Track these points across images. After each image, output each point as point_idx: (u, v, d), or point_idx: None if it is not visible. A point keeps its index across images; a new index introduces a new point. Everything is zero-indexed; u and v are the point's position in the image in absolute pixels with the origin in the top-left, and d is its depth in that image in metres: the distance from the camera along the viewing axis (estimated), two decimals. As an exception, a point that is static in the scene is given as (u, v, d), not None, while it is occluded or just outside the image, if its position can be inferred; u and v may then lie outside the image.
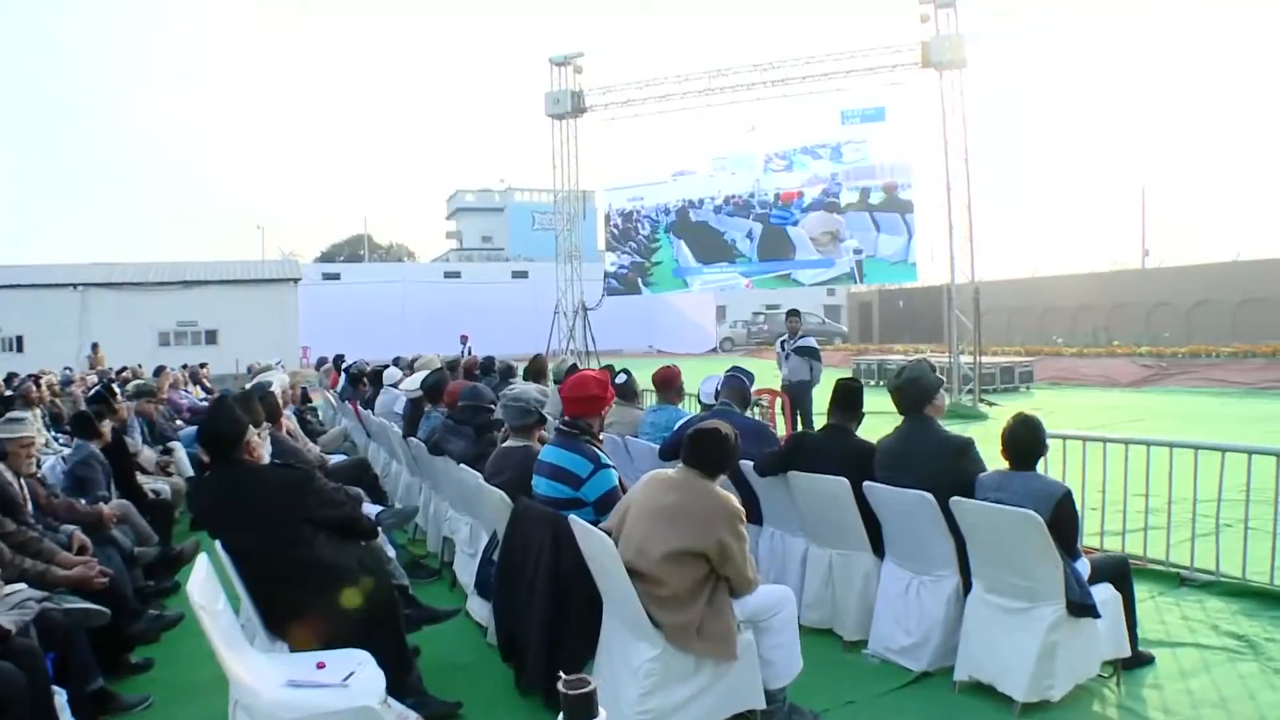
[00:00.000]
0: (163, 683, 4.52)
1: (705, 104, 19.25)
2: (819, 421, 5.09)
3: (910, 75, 17.11)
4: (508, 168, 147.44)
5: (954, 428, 12.65)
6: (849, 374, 19.97)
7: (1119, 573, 4.27)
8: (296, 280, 33.26)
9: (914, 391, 4.57)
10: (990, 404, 16.24)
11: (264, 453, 4.17)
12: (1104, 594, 4.02)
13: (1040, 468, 4.28)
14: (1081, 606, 3.82)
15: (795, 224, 19.10)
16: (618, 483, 4.16)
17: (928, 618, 4.32)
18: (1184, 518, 5.82)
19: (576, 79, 20.56)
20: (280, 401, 6.96)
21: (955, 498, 4.06)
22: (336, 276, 44.06)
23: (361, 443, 10.10)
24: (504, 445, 4.94)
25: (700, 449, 3.64)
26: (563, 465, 4.15)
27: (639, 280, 21.37)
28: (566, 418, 4.32)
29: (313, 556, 3.78)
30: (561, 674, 1.38)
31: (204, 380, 17.04)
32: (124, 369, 16.57)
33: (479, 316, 34.94)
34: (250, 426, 4.07)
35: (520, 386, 5.19)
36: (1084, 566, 4.05)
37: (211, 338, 31.47)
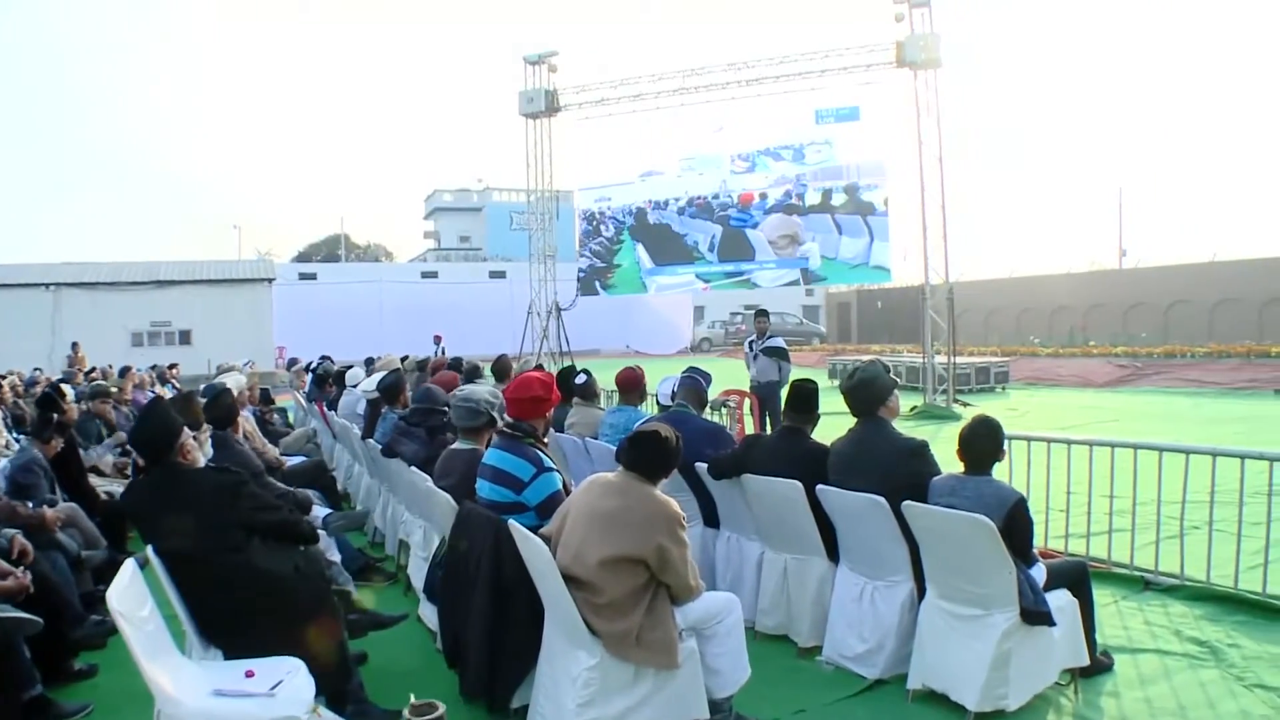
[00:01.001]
0: (105, 689, 4.40)
1: (679, 103, 19.11)
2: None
3: (885, 75, 17.08)
4: (486, 168, 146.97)
5: (928, 428, 12.55)
6: (825, 375, 20.04)
7: (1077, 578, 4.18)
8: (271, 280, 33.05)
9: (867, 393, 4.47)
10: (965, 404, 16.23)
11: (199, 456, 4.04)
12: (1060, 600, 3.94)
13: (1005, 469, 4.19)
14: (1036, 614, 3.73)
15: (755, 226, 18.96)
16: (561, 486, 4.05)
17: (882, 624, 4.24)
18: (1149, 520, 5.75)
19: (551, 78, 20.39)
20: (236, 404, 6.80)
21: (907, 501, 3.97)
22: (313, 276, 43.64)
23: (327, 444, 9.97)
24: (452, 448, 4.83)
25: (640, 452, 3.54)
26: (504, 468, 4.04)
27: (595, 283, 21.15)
28: (509, 419, 4.21)
29: (246, 561, 3.69)
30: (412, 696, 1.28)
31: (173, 381, 16.80)
32: (93, 369, 16.38)
33: (456, 317, 34.79)
34: (185, 429, 3.95)
35: (471, 387, 5.07)
36: (1040, 572, 3.96)
37: (185, 338, 31.23)
